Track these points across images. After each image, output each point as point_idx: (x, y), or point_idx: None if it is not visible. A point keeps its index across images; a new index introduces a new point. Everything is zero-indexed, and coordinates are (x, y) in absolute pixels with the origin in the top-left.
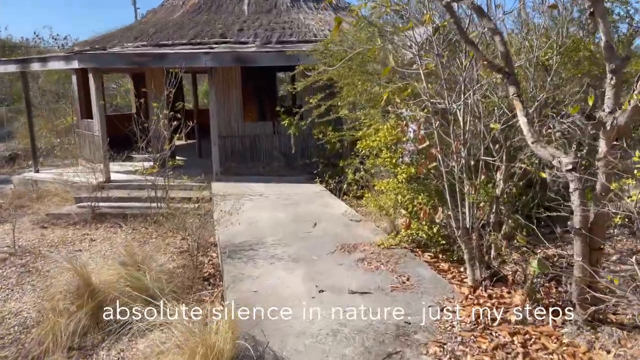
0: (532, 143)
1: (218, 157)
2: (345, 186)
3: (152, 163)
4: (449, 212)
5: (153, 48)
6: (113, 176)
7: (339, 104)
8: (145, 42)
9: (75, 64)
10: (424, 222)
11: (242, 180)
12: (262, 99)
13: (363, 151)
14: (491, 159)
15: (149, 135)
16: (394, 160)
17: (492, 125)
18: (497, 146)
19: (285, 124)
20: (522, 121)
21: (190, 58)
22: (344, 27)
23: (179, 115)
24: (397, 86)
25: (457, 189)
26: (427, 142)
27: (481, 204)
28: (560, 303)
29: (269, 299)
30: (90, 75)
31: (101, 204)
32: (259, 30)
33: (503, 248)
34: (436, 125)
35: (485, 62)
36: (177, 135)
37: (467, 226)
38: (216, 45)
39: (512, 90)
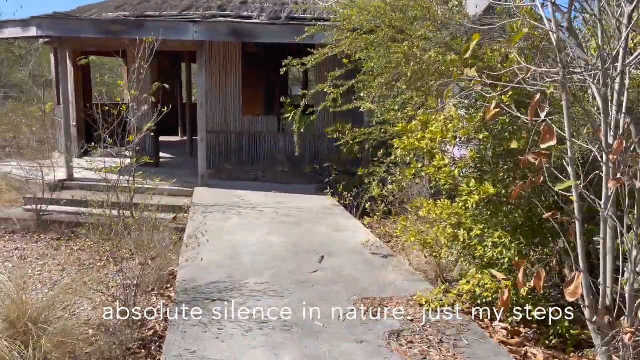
0: None
1: (205, 157)
2: (365, 202)
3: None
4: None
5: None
6: (79, 174)
7: (362, 94)
8: (128, 12)
9: (32, 31)
10: (525, 291)
11: (235, 186)
12: (268, 88)
13: (399, 155)
14: None
15: (113, 124)
16: (455, 172)
17: None
18: None
19: (289, 118)
20: None
21: (174, 29)
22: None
23: (152, 100)
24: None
25: (605, 232)
26: (552, 139)
27: None
28: None
29: None
30: (54, 49)
31: (53, 207)
32: (267, 4)
33: None
34: (567, 107)
35: None
36: (149, 124)
37: (608, 304)
38: (212, 19)
39: None
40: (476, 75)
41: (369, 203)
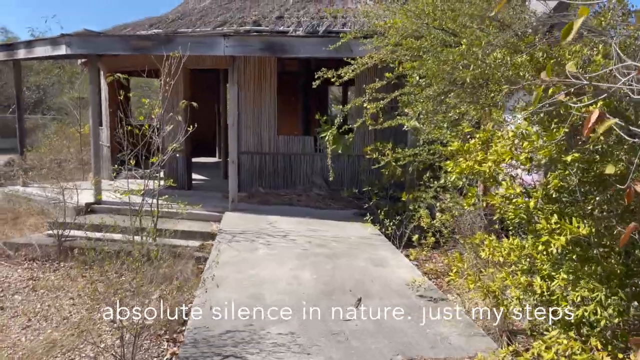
0: None
1: (236, 179)
2: (410, 232)
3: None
4: None
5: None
6: (108, 197)
7: (406, 110)
8: (161, 30)
9: (62, 49)
10: None
11: (268, 211)
12: (305, 108)
13: (452, 180)
14: None
15: (138, 145)
16: (531, 203)
17: None
18: None
19: (325, 137)
20: None
21: (204, 43)
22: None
23: (179, 118)
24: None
25: None
26: None
27: None
28: None
29: None
30: (84, 65)
31: (76, 232)
32: (304, 18)
33: None
34: None
35: None
36: (174, 144)
37: None
38: (245, 34)
39: None
40: (555, 79)
41: (415, 235)
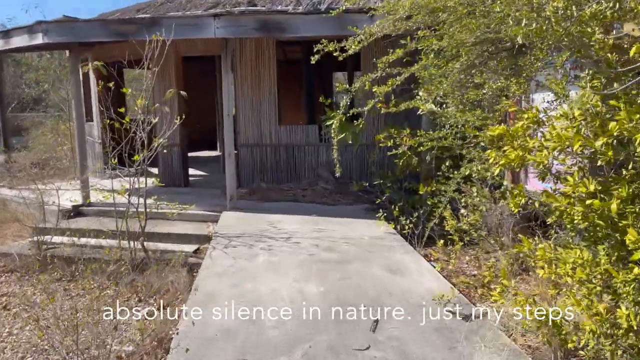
0: None
1: (235, 175)
2: (429, 230)
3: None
4: None
5: None
6: (96, 197)
7: (421, 93)
8: (149, 14)
9: (39, 38)
10: None
11: (269, 209)
12: (308, 93)
13: (493, 172)
14: None
15: (128, 141)
16: (613, 205)
17: None
18: None
19: (331, 125)
20: None
21: (193, 25)
22: None
23: (166, 109)
24: None
25: None
26: None
27: None
28: None
29: None
30: (68, 55)
31: (61, 238)
32: None
33: None
34: None
35: None
36: (158, 139)
37: None
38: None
39: None
40: None
41: (440, 240)
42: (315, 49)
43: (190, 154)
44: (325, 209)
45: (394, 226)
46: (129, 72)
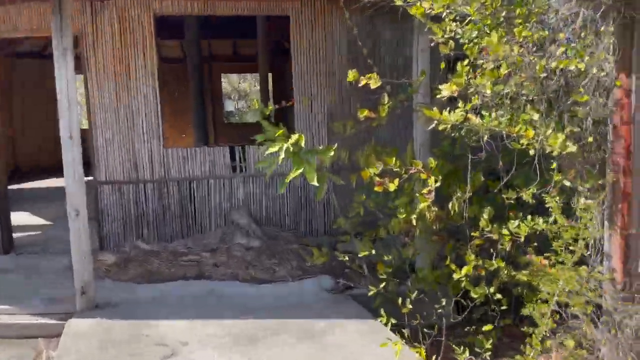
0: None
1: (87, 253)
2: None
3: None
4: None
5: None
6: None
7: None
8: None
9: None
10: None
11: (159, 304)
12: (199, 105)
13: None
14: None
15: None
16: None
17: None
18: None
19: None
20: None
21: None
22: None
23: None
24: None
25: None
26: None
27: None
28: None
29: None
30: None
31: None
32: None
33: None
34: None
35: None
36: None
37: None
38: None
39: None
40: None
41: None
42: None
43: (29, 185)
44: (260, 296)
45: (406, 336)
46: None
